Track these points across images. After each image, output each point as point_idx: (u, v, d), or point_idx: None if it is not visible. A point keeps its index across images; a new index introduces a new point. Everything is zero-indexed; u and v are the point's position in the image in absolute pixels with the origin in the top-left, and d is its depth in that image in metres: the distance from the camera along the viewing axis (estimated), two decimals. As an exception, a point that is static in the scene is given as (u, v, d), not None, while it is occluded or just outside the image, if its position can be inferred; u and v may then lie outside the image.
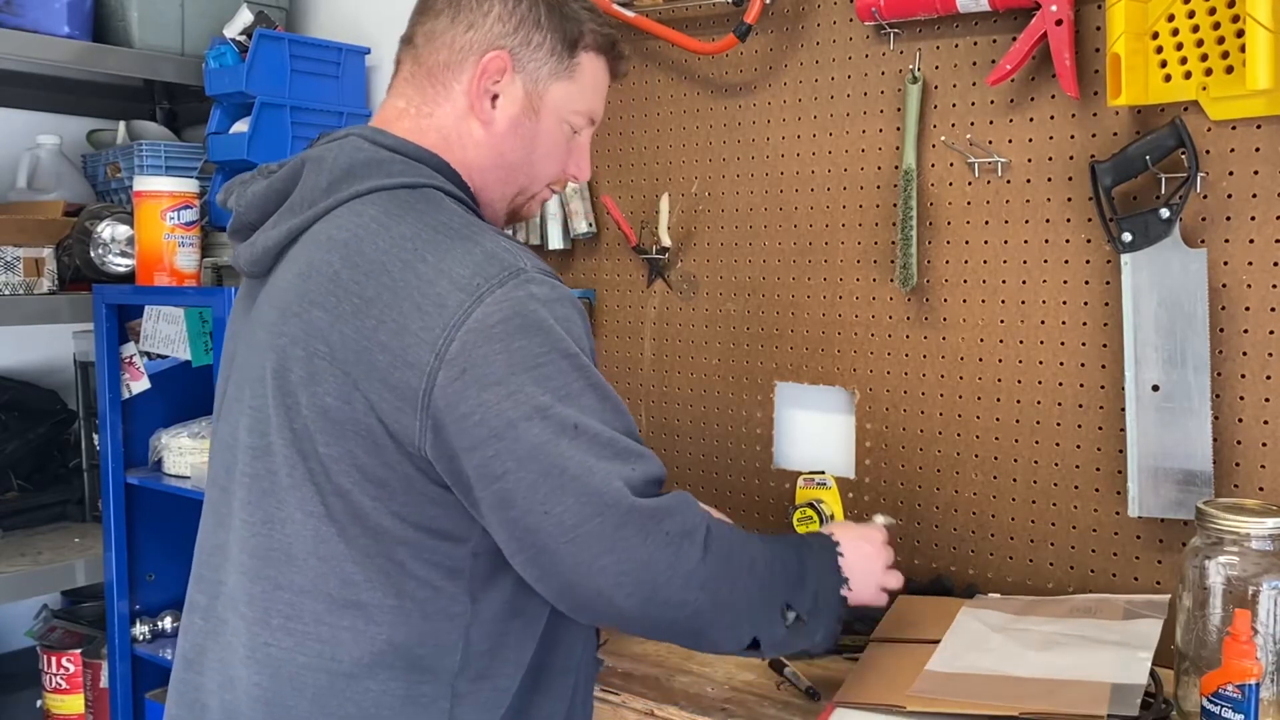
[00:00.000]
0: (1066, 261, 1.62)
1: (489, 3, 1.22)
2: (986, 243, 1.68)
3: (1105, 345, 1.59)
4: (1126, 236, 1.52)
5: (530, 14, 1.22)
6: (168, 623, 2.28)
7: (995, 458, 1.70)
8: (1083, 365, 1.61)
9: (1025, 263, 1.65)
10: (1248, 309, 1.48)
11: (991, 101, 1.67)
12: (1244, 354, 1.48)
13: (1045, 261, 1.64)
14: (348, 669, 1.10)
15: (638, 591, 1.08)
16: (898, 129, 1.75)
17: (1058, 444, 1.64)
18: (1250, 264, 1.48)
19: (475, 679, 1.13)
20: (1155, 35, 1.47)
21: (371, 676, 1.10)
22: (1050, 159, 1.62)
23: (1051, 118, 1.62)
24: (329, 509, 1.09)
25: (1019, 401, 1.67)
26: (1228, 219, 1.49)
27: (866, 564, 1.32)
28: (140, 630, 2.28)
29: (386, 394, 1.06)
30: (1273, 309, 1.47)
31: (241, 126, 2.26)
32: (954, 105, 1.70)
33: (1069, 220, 1.61)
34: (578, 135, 1.29)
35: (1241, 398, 1.49)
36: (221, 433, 1.22)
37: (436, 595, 1.11)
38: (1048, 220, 1.63)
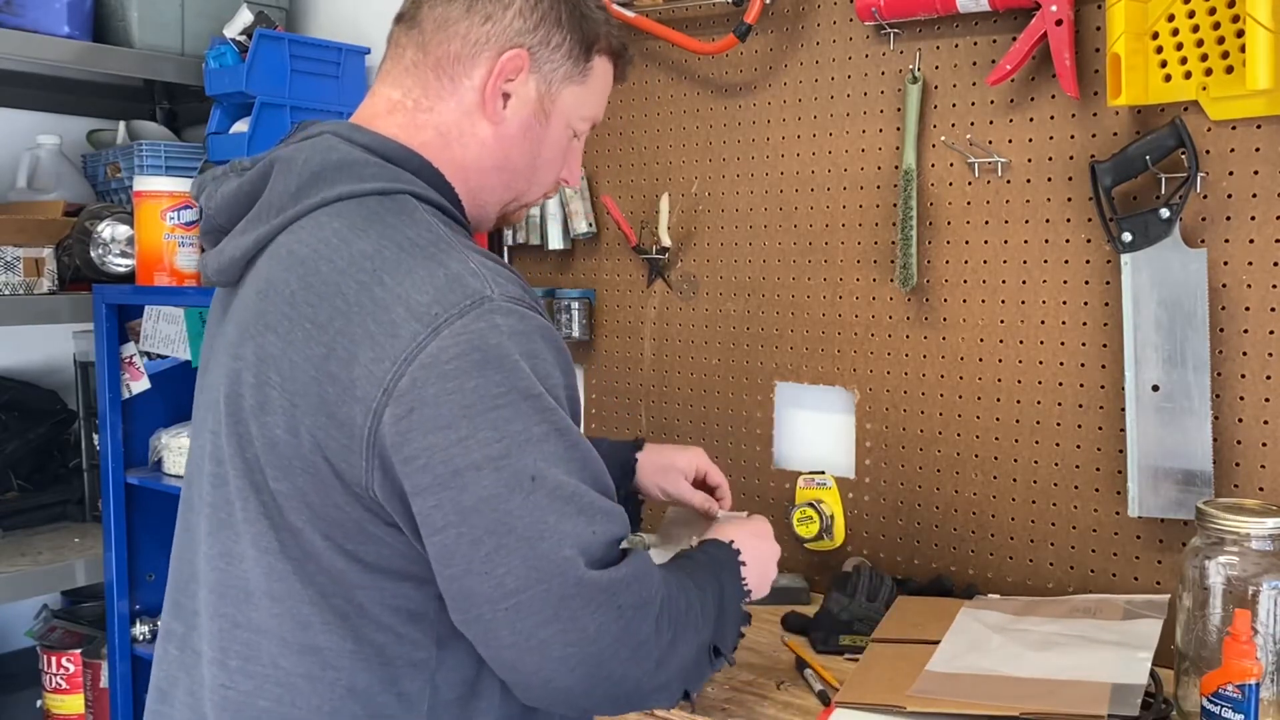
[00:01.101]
0: (1066, 261, 1.62)
1: None
2: (986, 243, 1.68)
3: (1105, 345, 1.59)
4: (1126, 236, 1.52)
5: (551, 12, 1.14)
6: (168, 623, 2.27)
7: (995, 458, 1.70)
8: (1083, 365, 1.61)
9: (1025, 263, 1.65)
10: (1248, 309, 1.48)
11: (991, 101, 1.67)
12: (1244, 354, 1.48)
13: (1045, 261, 1.64)
14: (306, 716, 1.03)
15: (581, 667, 0.98)
16: (898, 129, 1.75)
17: (1058, 444, 1.64)
18: (1250, 264, 1.48)
19: None
20: (1155, 35, 1.47)
21: None
22: (1050, 159, 1.62)
23: (1051, 118, 1.62)
24: (283, 546, 1.02)
25: (1019, 401, 1.67)
26: (1228, 219, 1.49)
27: (763, 565, 1.26)
28: (140, 630, 2.28)
29: (333, 430, 0.98)
30: (1273, 309, 1.47)
31: (241, 126, 2.26)
32: (954, 105, 1.70)
33: (1069, 220, 1.61)
34: (575, 141, 1.23)
35: (1241, 398, 1.49)
36: (193, 451, 1.15)
37: (398, 641, 1.03)
38: (1048, 220, 1.63)
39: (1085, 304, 1.61)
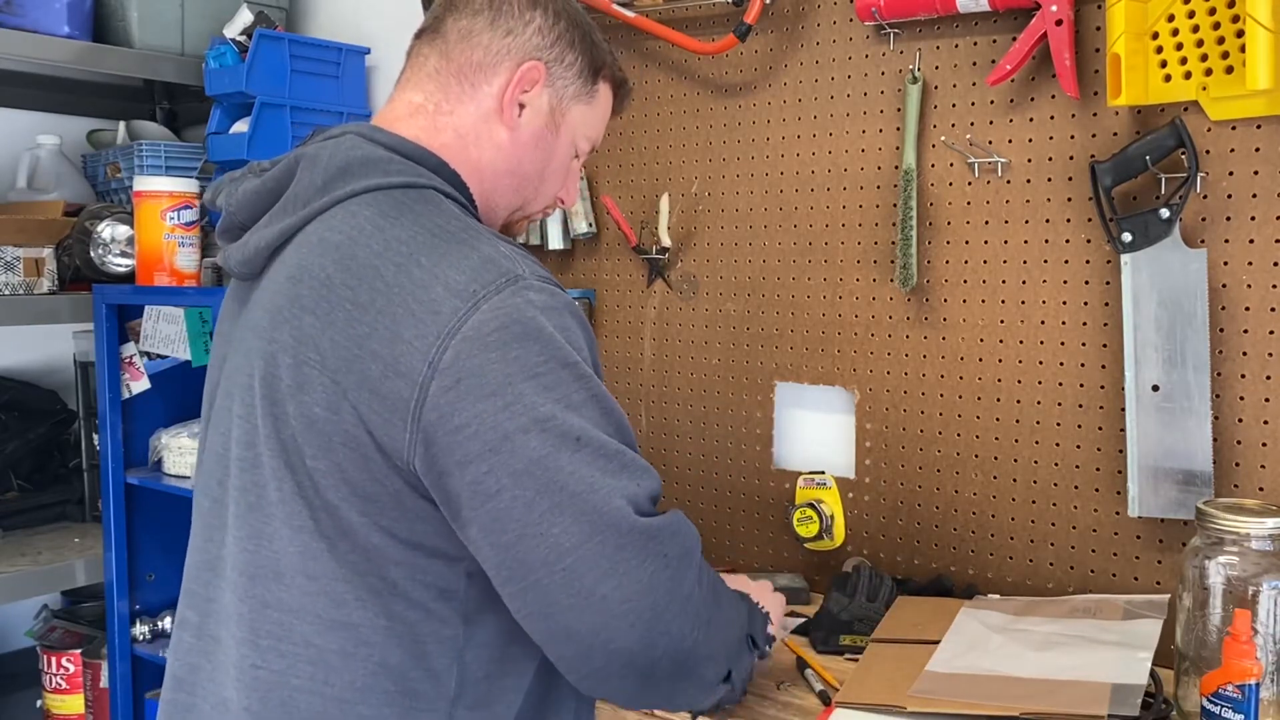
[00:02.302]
0: (1066, 261, 1.62)
1: (531, 14, 1.21)
2: (986, 243, 1.68)
3: (1105, 345, 1.59)
4: (1126, 236, 1.52)
5: (567, 34, 1.23)
6: (167, 622, 2.28)
7: (995, 458, 1.70)
8: (1083, 365, 1.61)
9: (1025, 263, 1.65)
10: (1248, 309, 1.48)
11: (991, 101, 1.67)
12: (1244, 354, 1.48)
13: (1045, 261, 1.64)
14: (339, 693, 1.05)
15: (640, 621, 1.02)
16: (898, 129, 1.75)
17: (1058, 444, 1.64)
18: (1250, 264, 1.48)
19: (473, 706, 1.08)
20: (1155, 35, 1.47)
21: (364, 701, 1.05)
22: (1050, 159, 1.62)
23: (1051, 118, 1.62)
24: (318, 524, 1.05)
25: (1019, 401, 1.67)
26: (1228, 219, 1.49)
27: (775, 608, 1.34)
28: (140, 630, 2.28)
29: (376, 404, 1.01)
30: (1273, 309, 1.47)
31: (241, 126, 2.26)
32: (954, 105, 1.70)
33: (1069, 220, 1.61)
34: (576, 160, 1.30)
35: (1241, 398, 1.49)
36: (212, 441, 1.17)
37: (428, 618, 1.06)
38: (1048, 220, 1.63)
39: (1085, 304, 1.61)
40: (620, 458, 1.05)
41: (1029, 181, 1.64)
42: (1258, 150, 1.46)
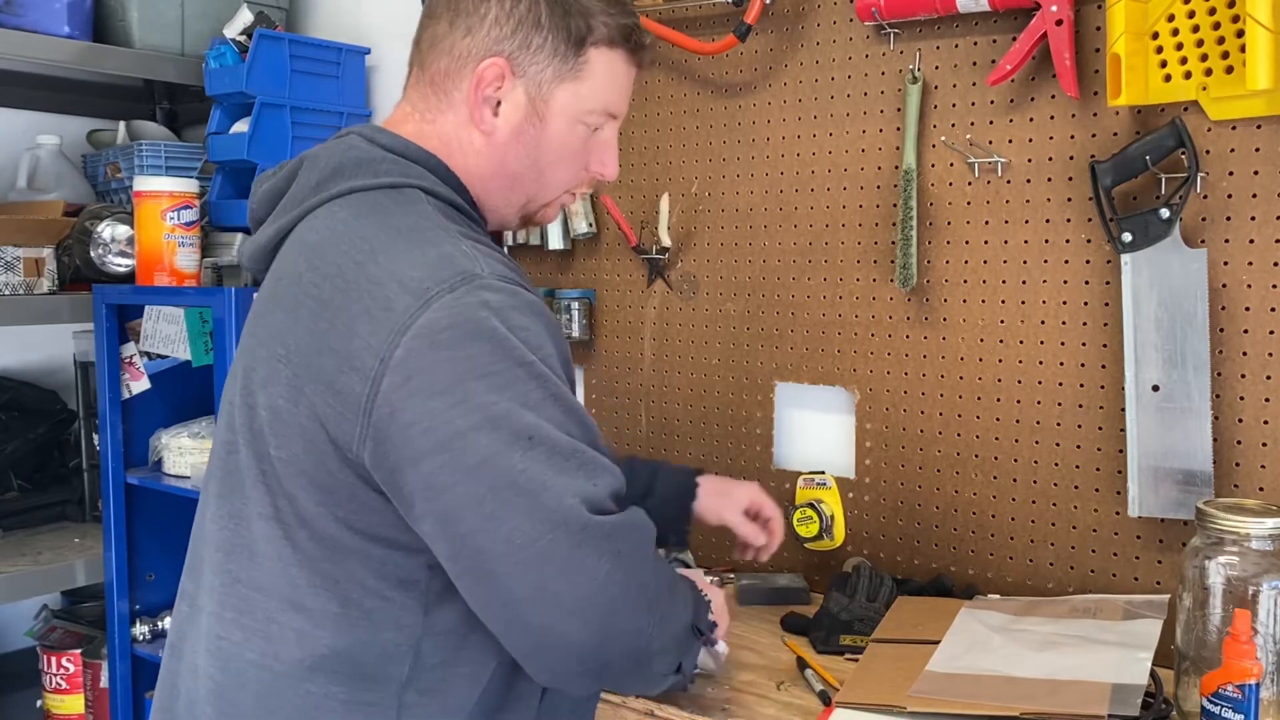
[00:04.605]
0: (1066, 261, 1.62)
1: (486, 5, 1.16)
2: (986, 243, 1.68)
3: (1105, 345, 1.59)
4: (1126, 236, 1.52)
5: (529, 14, 1.16)
6: (167, 622, 2.28)
7: (995, 458, 1.70)
8: (1083, 365, 1.61)
9: (1025, 263, 1.65)
10: (1248, 309, 1.48)
11: (991, 101, 1.67)
12: (1244, 354, 1.48)
13: (1045, 261, 1.64)
14: (287, 668, 1.07)
15: (595, 618, 1.01)
16: (898, 129, 1.75)
17: (1058, 444, 1.64)
18: (1250, 264, 1.48)
19: (425, 692, 1.09)
20: (1155, 35, 1.47)
21: (311, 679, 1.07)
22: (1050, 159, 1.62)
23: (1051, 118, 1.62)
24: (278, 511, 1.08)
25: (1019, 401, 1.67)
26: (1228, 219, 1.49)
27: (716, 597, 1.31)
28: (140, 630, 2.28)
29: (331, 399, 1.03)
30: (1273, 309, 1.47)
31: (241, 126, 2.26)
32: (954, 105, 1.70)
33: (1069, 220, 1.61)
34: (598, 132, 1.23)
35: (1241, 398, 1.49)
36: (217, 427, 1.23)
37: (386, 605, 1.07)
38: (1048, 220, 1.63)
39: (1085, 304, 1.61)
40: (577, 456, 1.03)
41: (1029, 181, 1.64)
42: (1258, 150, 1.46)
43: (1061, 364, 1.63)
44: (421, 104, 1.21)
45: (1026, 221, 1.65)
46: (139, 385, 2.32)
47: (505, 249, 2.23)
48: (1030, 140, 1.64)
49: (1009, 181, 1.66)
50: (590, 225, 2.11)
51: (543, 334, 1.06)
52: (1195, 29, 1.44)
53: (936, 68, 1.71)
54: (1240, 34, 1.38)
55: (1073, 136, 1.60)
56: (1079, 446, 1.62)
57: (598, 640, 1.02)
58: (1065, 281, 1.62)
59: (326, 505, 1.06)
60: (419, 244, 1.06)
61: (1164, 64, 1.47)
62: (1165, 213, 1.49)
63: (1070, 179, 1.61)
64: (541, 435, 1.01)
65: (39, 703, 2.40)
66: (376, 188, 1.13)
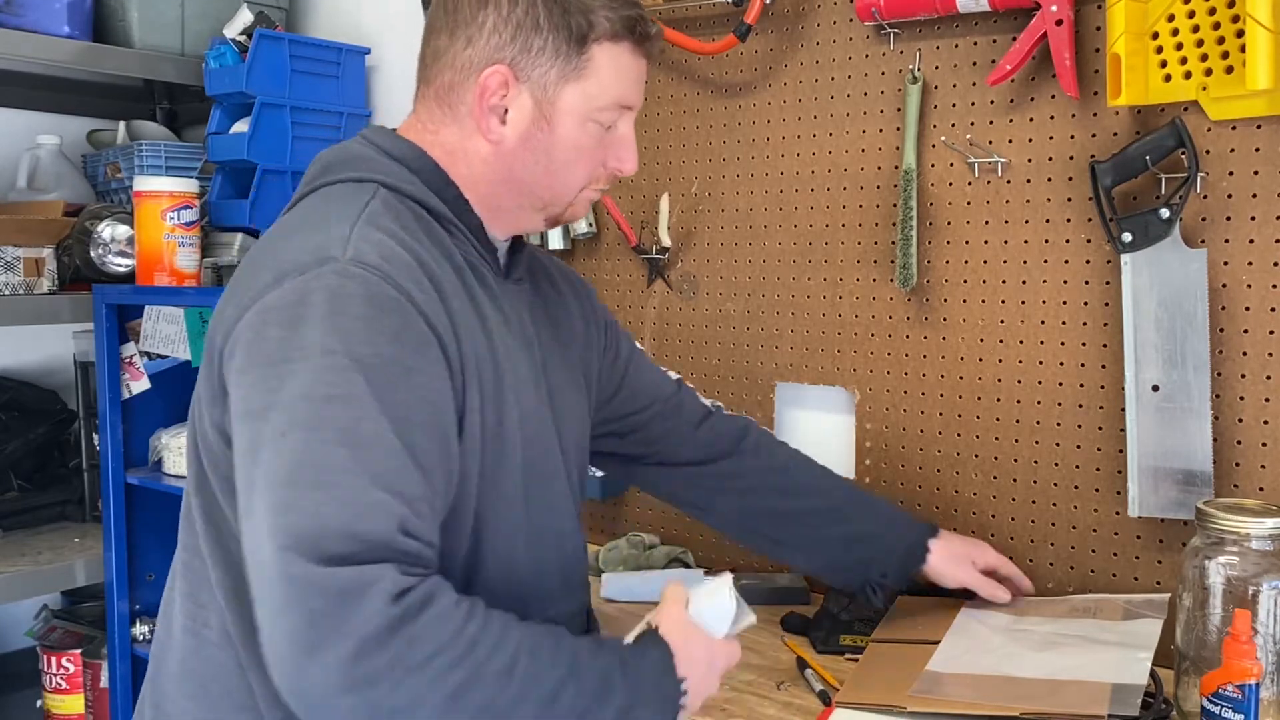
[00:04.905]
0: (1066, 261, 1.62)
1: (484, 13, 1.15)
2: (986, 243, 1.68)
3: (1105, 345, 1.59)
4: (1126, 236, 1.52)
5: (528, 17, 1.14)
6: (168, 623, 2.27)
7: (995, 458, 1.70)
8: (1083, 365, 1.61)
9: (1025, 263, 1.65)
10: (1248, 309, 1.48)
11: (991, 101, 1.67)
12: (1244, 354, 1.48)
13: (1045, 261, 1.64)
14: (215, 635, 1.13)
15: (284, 676, 0.89)
16: (898, 129, 1.75)
17: (1058, 444, 1.64)
18: (1250, 264, 1.48)
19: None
20: (1155, 35, 1.47)
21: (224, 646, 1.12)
22: (1050, 159, 1.62)
23: (1051, 118, 1.62)
24: (197, 482, 1.13)
25: (1019, 401, 1.67)
26: (1228, 219, 1.49)
27: (706, 668, 1.11)
28: (140, 630, 2.28)
29: (206, 369, 1.09)
30: (1273, 309, 1.47)
31: (241, 126, 2.26)
32: (954, 105, 1.70)
33: (1069, 220, 1.61)
34: (614, 128, 1.21)
35: (1241, 398, 1.49)
36: None
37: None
38: (1048, 220, 1.63)
39: (1085, 304, 1.61)
40: (317, 472, 0.92)
41: (1029, 181, 1.64)
42: (1258, 150, 1.46)
43: (1061, 364, 1.63)
44: (426, 116, 1.21)
45: (1026, 221, 1.65)
46: (139, 385, 2.32)
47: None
48: (1030, 140, 1.64)
49: (1009, 181, 1.66)
50: (590, 225, 2.11)
51: (373, 329, 0.99)
52: (1195, 29, 1.44)
53: (936, 68, 1.71)
54: (1240, 34, 1.38)
55: (1073, 136, 1.60)
56: (1079, 446, 1.62)
57: (288, 691, 0.90)
58: (1065, 281, 1.62)
59: (214, 476, 1.10)
60: (317, 229, 1.07)
61: (1164, 64, 1.47)
62: (1165, 213, 1.49)
63: (1070, 179, 1.61)
64: (292, 440, 0.94)
65: (39, 703, 2.40)
66: (342, 181, 1.15)
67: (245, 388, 1.00)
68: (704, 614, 1.14)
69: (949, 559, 1.54)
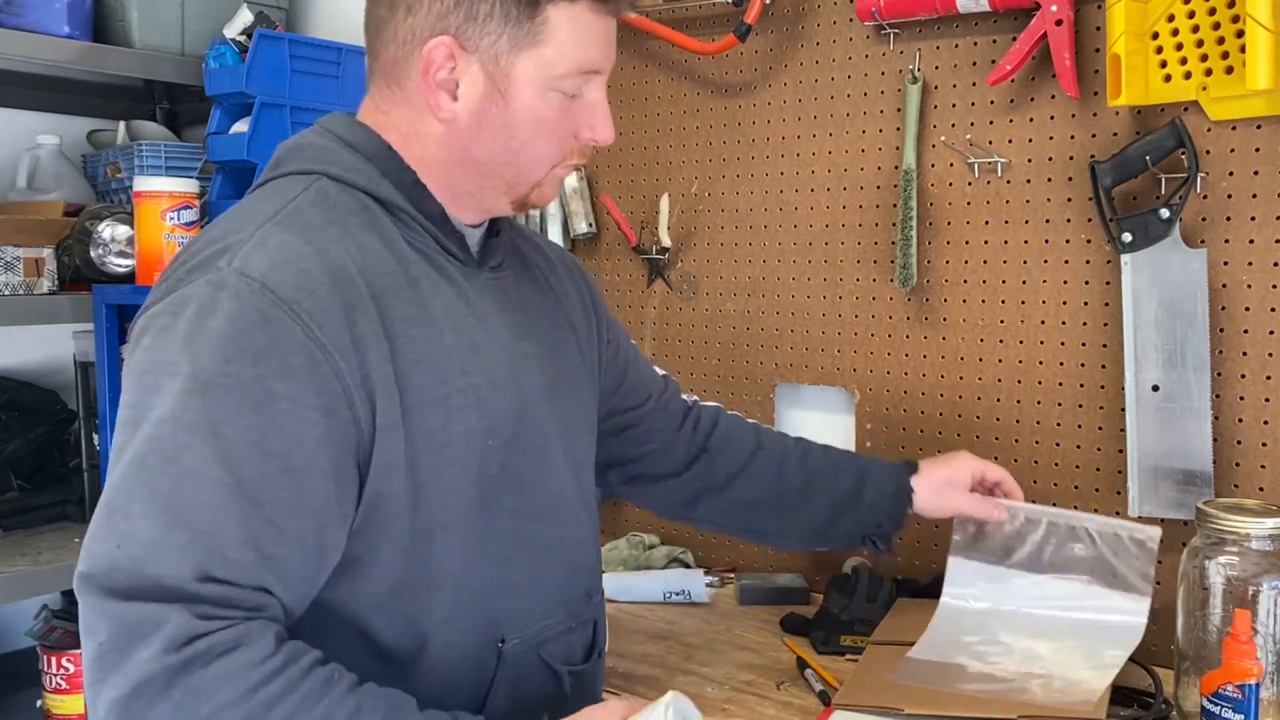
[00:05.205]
0: (1066, 261, 1.62)
1: None
2: (986, 243, 1.68)
3: (1105, 345, 1.59)
4: (1126, 236, 1.52)
5: None
6: (168, 623, 2.27)
7: (995, 458, 1.69)
8: (1083, 365, 1.61)
9: (1025, 263, 1.65)
10: (1248, 309, 1.48)
11: (991, 101, 1.67)
12: (1244, 354, 1.48)
13: (1045, 261, 1.64)
14: None
15: (92, 697, 0.90)
16: (898, 129, 1.75)
17: (1058, 444, 1.64)
18: (1250, 264, 1.48)
19: None
20: (1155, 35, 1.47)
21: None
22: (1050, 159, 1.62)
23: (1051, 118, 1.62)
24: None
25: (1019, 401, 1.67)
26: (1228, 219, 1.49)
27: None
28: (140, 630, 2.27)
29: None
30: (1273, 309, 1.47)
31: (241, 126, 2.26)
32: (954, 105, 1.70)
33: (1069, 220, 1.61)
34: (580, 98, 1.10)
35: (1241, 398, 1.49)
36: None
37: None
38: (1048, 220, 1.63)
39: (1085, 304, 1.61)
40: (129, 501, 0.90)
41: (1029, 181, 1.64)
42: (1258, 150, 1.46)
43: (1061, 364, 1.63)
44: (378, 96, 1.12)
45: (1026, 221, 1.65)
46: (139, 385, 2.31)
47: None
48: (1030, 140, 1.64)
49: (1009, 181, 1.66)
50: (590, 225, 2.11)
51: (249, 348, 0.93)
52: (1195, 29, 1.44)
53: (936, 68, 1.71)
54: (1240, 34, 1.38)
55: (1073, 136, 1.60)
56: (1079, 446, 1.62)
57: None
58: (1065, 281, 1.62)
59: None
60: (226, 231, 1.03)
61: (1164, 64, 1.47)
62: (1165, 213, 1.49)
63: (1070, 179, 1.61)
64: (128, 459, 0.92)
65: (39, 703, 2.40)
66: (289, 174, 1.10)
67: (124, 394, 0.97)
68: None
69: (934, 491, 1.48)
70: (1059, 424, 1.64)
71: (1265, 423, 1.47)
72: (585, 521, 1.23)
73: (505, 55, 1.05)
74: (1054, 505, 1.64)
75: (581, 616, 1.21)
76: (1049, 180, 1.63)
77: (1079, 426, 1.62)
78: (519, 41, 1.05)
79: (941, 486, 1.48)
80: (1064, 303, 1.62)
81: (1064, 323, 1.63)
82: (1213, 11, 1.42)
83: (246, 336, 0.93)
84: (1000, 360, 1.69)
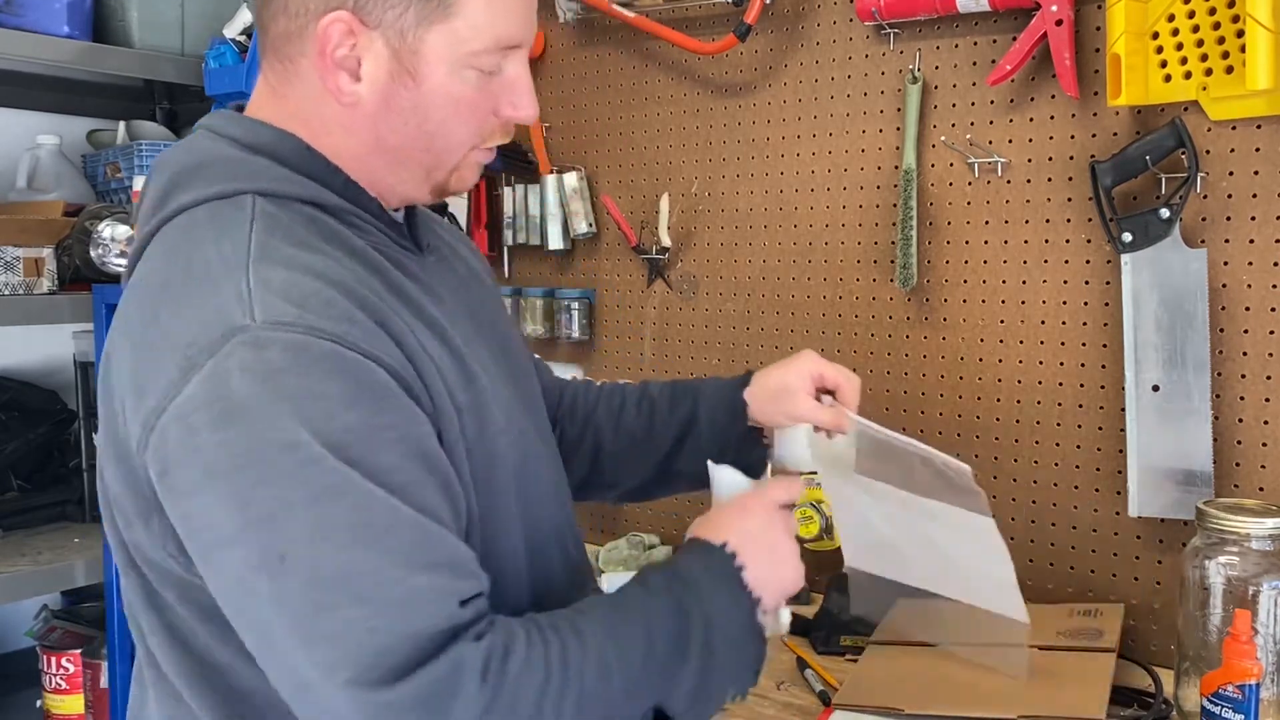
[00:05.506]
0: (1066, 261, 1.62)
1: None
2: (986, 243, 1.68)
3: (1105, 345, 1.59)
4: (1126, 236, 1.52)
5: None
6: (168, 623, 2.27)
7: (995, 458, 1.69)
8: (1083, 365, 1.61)
9: (1025, 263, 1.65)
10: (1248, 309, 1.48)
11: (991, 101, 1.67)
12: (1244, 354, 1.48)
13: (1045, 261, 1.64)
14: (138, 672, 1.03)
15: None
16: (898, 129, 1.75)
17: (1058, 444, 1.64)
18: (1250, 264, 1.48)
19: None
20: (1155, 35, 1.47)
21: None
22: (1050, 159, 1.62)
23: (1051, 118, 1.62)
24: (145, 597, 0.99)
25: (1019, 401, 1.67)
26: (1228, 219, 1.49)
27: (774, 569, 1.04)
28: (140, 630, 2.27)
29: (125, 478, 0.92)
30: (1273, 309, 1.46)
31: (241, 126, 2.26)
32: (954, 105, 1.70)
33: (1069, 220, 1.61)
34: (498, 74, 0.99)
35: (1241, 398, 1.49)
36: None
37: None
38: (1048, 220, 1.63)
39: (1085, 304, 1.61)
40: (351, 585, 0.81)
41: (1029, 181, 1.64)
42: (1258, 150, 1.46)
43: (1061, 364, 1.63)
44: (271, 76, 0.99)
45: (1026, 221, 1.65)
46: (139, 385, 2.31)
47: (506, 250, 2.23)
48: (1030, 140, 1.64)
49: (1009, 181, 1.66)
50: (590, 225, 2.11)
51: (339, 399, 0.84)
52: (1195, 29, 1.43)
53: (936, 68, 1.71)
54: (1240, 34, 1.38)
55: (1073, 136, 1.60)
56: (1079, 446, 1.62)
57: None
58: (1065, 281, 1.62)
59: (179, 602, 0.97)
60: (204, 289, 0.88)
61: (1164, 64, 1.47)
62: (1165, 213, 1.49)
63: (1070, 179, 1.61)
64: (297, 557, 0.81)
65: (39, 703, 2.40)
66: (205, 200, 0.94)
67: (202, 513, 0.84)
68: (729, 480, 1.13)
69: (769, 399, 1.31)
70: (1059, 424, 1.64)
71: (1265, 423, 1.47)
72: (566, 500, 1.19)
73: (412, 30, 0.94)
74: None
75: (589, 590, 1.20)
76: (1049, 180, 1.63)
77: (1079, 426, 1.62)
78: (427, 15, 0.94)
79: (777, 393, 1.30)
80: (1064, 303, 1.62)
81: (1064, 323, 1.63)
82: (1213, 11, 1.42)
83: (327, 383, 0.85)
84: (1000, 360, 1.69)
